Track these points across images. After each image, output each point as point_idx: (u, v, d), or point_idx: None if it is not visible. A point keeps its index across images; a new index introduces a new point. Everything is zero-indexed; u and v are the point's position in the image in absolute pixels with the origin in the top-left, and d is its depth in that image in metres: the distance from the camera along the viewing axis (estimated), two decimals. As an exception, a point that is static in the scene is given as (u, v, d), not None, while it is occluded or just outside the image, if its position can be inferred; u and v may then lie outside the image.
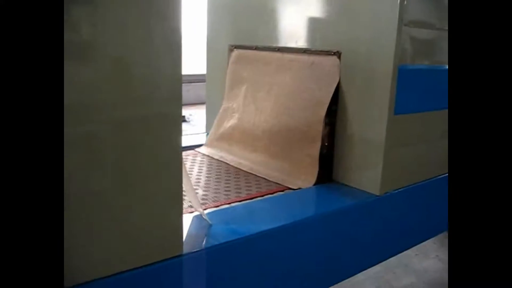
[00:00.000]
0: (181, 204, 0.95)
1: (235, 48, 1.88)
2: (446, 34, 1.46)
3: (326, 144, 1.49)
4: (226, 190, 1.41)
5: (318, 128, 1.47)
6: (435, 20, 1.47)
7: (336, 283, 1.39)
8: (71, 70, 0.72)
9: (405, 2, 1.30)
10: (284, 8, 1.68)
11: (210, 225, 1.10)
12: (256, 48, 1.78)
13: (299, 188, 1.44)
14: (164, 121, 0.89)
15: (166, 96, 0.88)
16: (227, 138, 1.80)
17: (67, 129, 0.70)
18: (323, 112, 1.46)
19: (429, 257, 2.61)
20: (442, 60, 1.53)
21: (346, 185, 1.48)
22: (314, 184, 1.45)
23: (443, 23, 1.48)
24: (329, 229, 1.30)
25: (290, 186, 1.45)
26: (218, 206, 1.27)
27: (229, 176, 1.55)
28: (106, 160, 0.83)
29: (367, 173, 1.42)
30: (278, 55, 1.68)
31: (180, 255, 0.96)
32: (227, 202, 1.30)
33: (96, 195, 0.82)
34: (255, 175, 1.57)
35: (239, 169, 1.63)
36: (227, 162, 1.70)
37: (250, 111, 1.73)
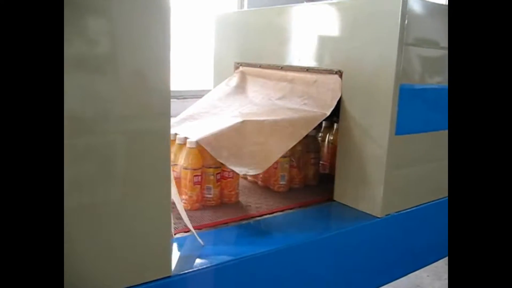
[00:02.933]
0: (170, 224, 0.95)
1: (240, 65, 1.89)
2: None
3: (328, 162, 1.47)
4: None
5: (302, 133, 1.43)
6: (438, 39, 1.44)
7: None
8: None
9: (406, 22, 1.28)
10: (289, 28, 1.68)
11: (202, 246, 1.10)
12: (261, 66, 1.79)
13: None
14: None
15: (156, 111, 0.89)
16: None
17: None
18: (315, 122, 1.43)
19: (441, 279, 2.54)
20: (445, 80, 1.50)
21: (346, 205, 1.46)
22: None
23: (446, 42, 1.45)
24: (328, 251, 1.27)
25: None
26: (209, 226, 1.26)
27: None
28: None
29: (367, 194, 1.39)
30: (281, 73, 1.68)
31: (169, 277, 0.96)
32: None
33: (87, 209, 0.83)
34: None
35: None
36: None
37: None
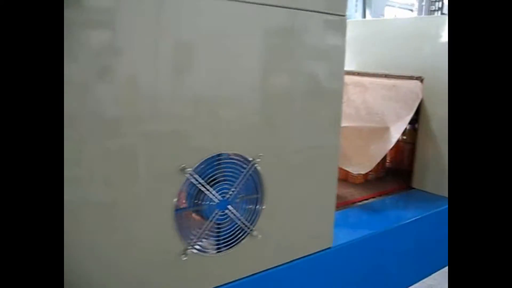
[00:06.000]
0: (335, 197, 1.18)
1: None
2: None
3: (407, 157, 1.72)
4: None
5: (396, 137, 1.66)
6: None
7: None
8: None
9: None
10: (373, 39, 1.90)
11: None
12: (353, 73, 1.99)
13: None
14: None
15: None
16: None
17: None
18: (402, 126, 1.68)
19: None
20: None
21: (426, 191, 1.71)
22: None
23: None
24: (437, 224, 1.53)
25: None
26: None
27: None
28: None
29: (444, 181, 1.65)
30: (356, 78, 1.91)
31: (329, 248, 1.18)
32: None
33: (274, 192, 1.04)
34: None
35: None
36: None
37: None
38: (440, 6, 3.41)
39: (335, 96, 1.13)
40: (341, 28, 1.08)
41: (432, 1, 3.35)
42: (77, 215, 0.76)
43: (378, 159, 1.59)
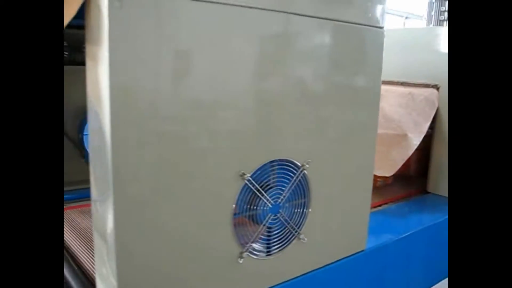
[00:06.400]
0: (369, 200, 1.22)
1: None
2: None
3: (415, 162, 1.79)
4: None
5: (416, 143, 1.73)
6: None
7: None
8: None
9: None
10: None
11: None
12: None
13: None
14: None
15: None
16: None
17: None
18: (421, 133, 1.74)
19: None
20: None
21: (441, 195, 1.78)
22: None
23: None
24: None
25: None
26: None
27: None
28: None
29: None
30: (389, 87, 1.97)
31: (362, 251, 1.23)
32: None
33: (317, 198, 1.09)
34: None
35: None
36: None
37: None
38: (448, 16, 3.57)
39: (374, 103, 1.17)
40: (380, 39, 1.13)
41: (441, 11, 3.53)
42: (151, 218, 0.79)
43: (400, 164, 1.64)
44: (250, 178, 0.91)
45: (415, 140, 1.71)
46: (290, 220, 1.02)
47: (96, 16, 0.72)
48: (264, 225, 0.97)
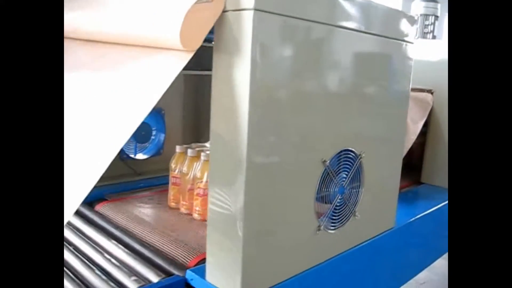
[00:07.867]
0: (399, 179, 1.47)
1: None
2: None
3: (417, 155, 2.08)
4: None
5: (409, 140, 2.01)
6: None
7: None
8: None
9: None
10: None
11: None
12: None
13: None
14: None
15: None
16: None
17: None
18: (417, 129, 2.02)
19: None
20: None
21: (434, 185, 2.07)
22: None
23: None
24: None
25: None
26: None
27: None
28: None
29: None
30: None
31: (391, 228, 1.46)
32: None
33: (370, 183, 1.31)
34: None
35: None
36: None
37: None
38: (431, 29, 3.95)
39: (405, 104, 1.42)
40: (411, 52, 1.38)
41: (425, 25, 3.92)
42: (267, 197, 0.97)
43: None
44: (328, 164, 1.11)
45: (413, 135, 1.99)
46: (349, 200, 1.23)
47: (232, 29, 0.89)
48: (334, 204, 1.17)
